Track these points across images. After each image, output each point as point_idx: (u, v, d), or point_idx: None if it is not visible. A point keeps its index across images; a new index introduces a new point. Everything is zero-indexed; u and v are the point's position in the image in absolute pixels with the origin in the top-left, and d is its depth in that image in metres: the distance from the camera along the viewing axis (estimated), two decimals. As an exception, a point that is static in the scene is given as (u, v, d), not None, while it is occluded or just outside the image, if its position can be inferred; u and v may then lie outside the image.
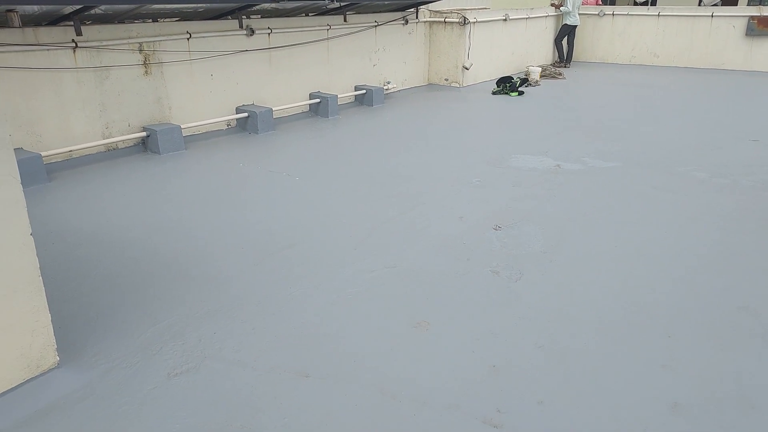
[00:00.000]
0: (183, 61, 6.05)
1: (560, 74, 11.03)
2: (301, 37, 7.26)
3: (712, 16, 11.25)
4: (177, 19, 6.52)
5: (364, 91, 8.21)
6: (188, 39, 6.04)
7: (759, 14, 10.79)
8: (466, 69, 9.62)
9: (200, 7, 6.27)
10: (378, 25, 8.45)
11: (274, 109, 6.78)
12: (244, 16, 6.60)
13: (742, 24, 11.00)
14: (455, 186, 4.92)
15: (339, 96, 7.76)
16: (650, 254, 3.62)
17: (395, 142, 6.40)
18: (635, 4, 14.20)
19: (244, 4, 6.20)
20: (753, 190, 4.74)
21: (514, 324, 2.85)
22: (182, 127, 5.88)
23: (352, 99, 8.32)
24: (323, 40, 7.60)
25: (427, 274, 3.35)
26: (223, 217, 4.17)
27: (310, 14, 7.72)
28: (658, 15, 11.80)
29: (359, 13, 8.32)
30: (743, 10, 11.12)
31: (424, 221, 4.14)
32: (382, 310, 2.98)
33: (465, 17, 9.23)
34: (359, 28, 8.12)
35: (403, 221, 4.13)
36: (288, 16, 7.31)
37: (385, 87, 8.70)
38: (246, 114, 6.55)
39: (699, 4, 14.61)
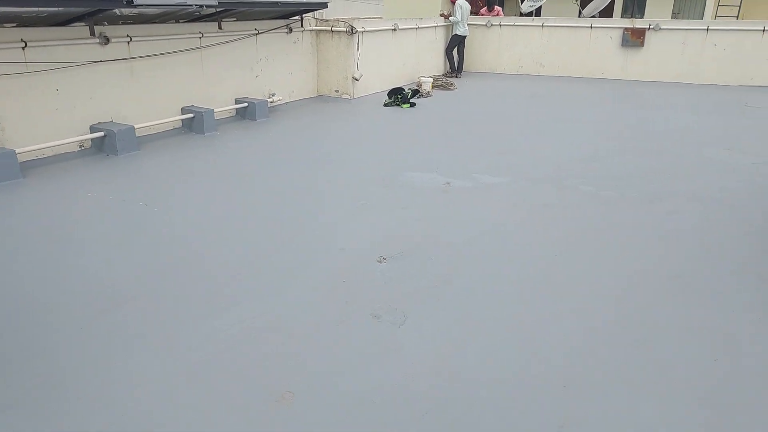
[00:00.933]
0: (18, 74, 5.15)
1: (452, 85, 10.98)
2: (168, 45, 6.53)
3: (591, 27, 11.70)
4: (14, 25, 5.59)
5: (246, 105, 7.58)
6: (23, 48, 5.15)
7: (632, 26, 11.34)
8: (357, 80, 9.25)
9: (43, 12, 5.39)
10: (259, 33, 7.86)
11: (137, 126, 6.00)
12: (98, 23, 5.79)
13: (618, 35, 11.52)
14: (340, 210, 4.47)
15: (217, 110, 7.09)
16: (544, 283, 3.35)
17: (277, 160, 5.86)
18: (520, 14, 14.55)
19: (93, 9, 5.41)
20: (639, 203, 4.68)
21: (394, 387, 2.42)
22: (18, 151, 4.98)
23: (233, 113, 7.66)
24: (195, 49, 6.90)
25: (298, 328, 2.85)
26: (53, 263, 3.43)
27: (181, 21, 6.99)
28: (543, 26, 12.11)
29: (238, 20, 7.69)
30: (618, 22, 11.67)
31: (302, 257, 3.64)
32: (236, 382, 2.44)
33: (352, 26, 8.86)
34: (237, 37, 7.49)
35: (278, 259, 3.61)
36: (153, 23, 6.55)
37: (270, 99, 8.12)
38: (102, 133, 5.73)
39: (579, 16, 15.29)
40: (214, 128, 6.86)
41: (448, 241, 3.92)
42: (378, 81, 9.99)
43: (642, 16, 16.49)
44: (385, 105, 8.94)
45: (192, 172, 5.41)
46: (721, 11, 16.85)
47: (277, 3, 7.39)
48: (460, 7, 11.61)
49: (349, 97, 9.32)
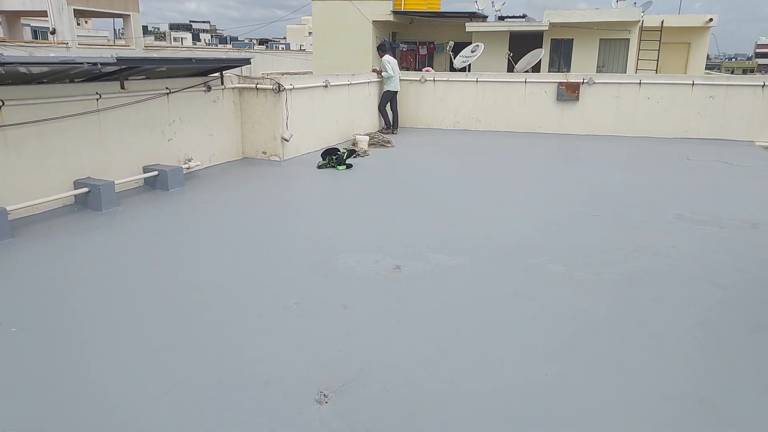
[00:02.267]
0: None
1: (389, 142, 10.36)
2: (56, 109, 5.48)
3: (525, 82, 11.53)
4: None
5: (156, 173, 6.56)
6: None
7: (566, 80, 11.25)
8: (286, 140, 8.43)
9: None
10: (171, 92, 6.93)
11: (11, 208, 4.87)
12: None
13: (553, 90, 11.38)
14: (265, 317, 3.52)
15: (119, 181, 6.04)
16: (531, 413, 2.53)
17: (187, 243, 4.86)
18: (452, 69, 14.34)
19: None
20: (620, 287, 4.02)
21: None
22: None
23: (141, 183, 6.61)
24: (92, 112, 5.88)
25: None
26: None
27: (77, 80, 5.97)
28: (477, 81, 11.85)
29: (148, 78, 6.75)
30: (553, 77, 11.57)
31: (208, 401, 2.65)
32: None
33: (279, 83, 8.10)
34: (143, 97, 6.53)
35: (168, 410, 2.60)
36: (40, 83, 5.51)
37: (186, 165, 7.14)
38: (-40, 220, 4.56)
39: (508, 70, 15.30)
40: (116, 203, 5.79)
41: (406, 360, 3.05)
42: (310, 140, 9.22)
43: (569, 70, 16.79)
44: (319, 167, 8.14)
45: (75, 265, 4.32)
46: (641, 65, 17.47)
47: (190, 60, 6.54)
48: (389, 62, 11.17)
49: (278, 159, 8.46)
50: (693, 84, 10.59)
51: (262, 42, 65.64)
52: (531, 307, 3.70)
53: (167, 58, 6.46)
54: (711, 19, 18.00)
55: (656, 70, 17.13)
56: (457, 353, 3.13)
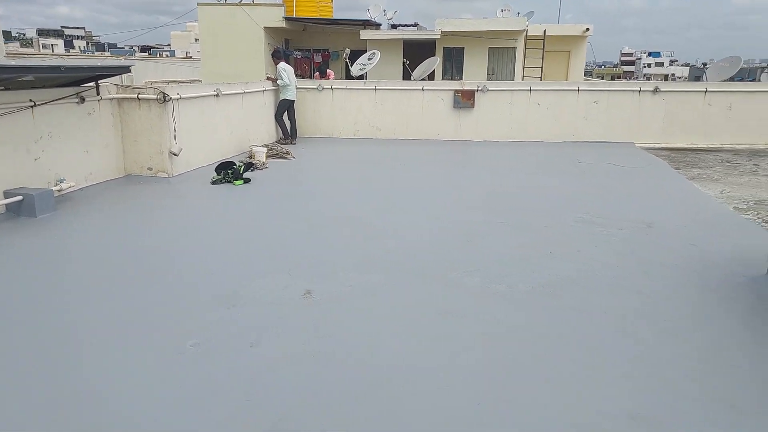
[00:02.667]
0: None
1: (288, 153, 9.93)
2: None
3: (422, 90, 11.57)
4: None
5: (21, 198, 5.70)
6: None
7: (462, 88, 11.42)
8: (175, 155, 7.76)
9: None
10: (36, 105, 6.09)
11: None
12: None
13: (449, 97, 11.51)
14: (154, 364, 3.03)
15: (-27, 210, 5.17)
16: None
17: (62, 278, 4.19)
18: (348, 77, 14.15)
19: None
20: (539, 298, 3.94)
21: None
22: None
23: (3, 210, 5.73)
24: (-66, 129, 4.98)
25: None
26: None
27: None
28: (375, 89, 11.73)
29: (8, 89, 5.87)
30: (448, 84, 11.72)
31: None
32: None
33: (164, 93, 7.43)
34: (2, 111, 5.66)
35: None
36: None
37: (57, 187, 6.31)
38: None
39: (404, 78, 15.39)
40: (-31, 236, 4.93)
41: (329, 409, 2.72)
42: (203, 154, 8.59)
43: (461, 78, 17.23)
44: (214, 183, 7.56)
45: None
46: (528, 72, 18.34)
47: (59, 68, 5.77)
48: (284, 70, 10.76)
49: (166, 176, 7.76)
50: (578, 90, 11.15)
51: (145, 49, 61.96)
52: (456, 329, 3.50)
53: (31, 66, 5.65)
54: (588, 29, 19.28)
55: (541, 77, 18.03)
56: (384, 392, 2.84)
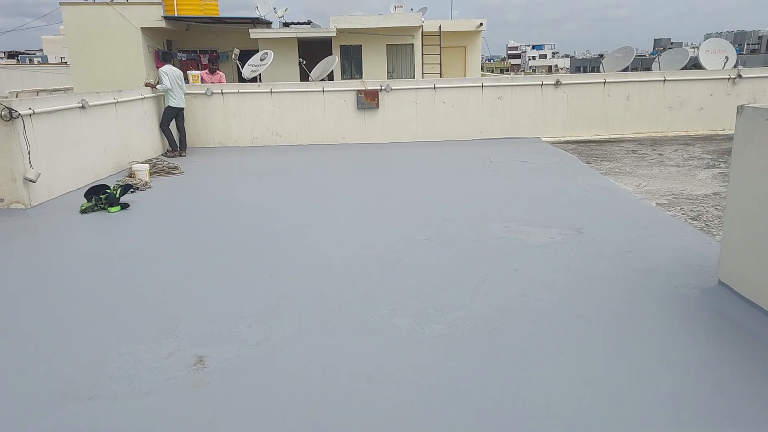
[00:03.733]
0: None
1: (176, 168, 8.79)
2: None
3: (323, 91, 10.78)
4: None
5: None
6: None
7: (365, 88, 10.76)
8: (32, 181, 6.46)
9: None
10: None
11: None
12: None
13: (352, 98, 10.82)
14: None
15: None
16: None
17: None
18: (241, 80, 13.05)
19: None
20: (481, 338, 3.32)
21: None
22: None
23: None
24: None
25: None
26: None
27: None
28: (271, 92, 10.78)
29: None
30: (350, 84, 11.00)
31: None
32: None
33: (10, 108, 6.11)
34: None
35: None
36: None
37: None
38: None
39: (302, 79, 14.50)
40: None
41: None
42: (70, 177, 7.29)
43: (361, 77, 16.61)
44: (83, 212, 6.36)
45: None
46: (427, 69, 18.07)
47: None
48: (166, 74, 9.59)
49: (22, 207, 6.45)
50: (482, 86, 10.85)
51: (12, 55, 55.91)
52: (390, 396, 2.79)
53: None
54: (481, 24, 19.35)
55: (440, 74, 17.82)
56: None
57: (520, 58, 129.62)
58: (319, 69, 11.59)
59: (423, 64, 18.00)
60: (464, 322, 3.52)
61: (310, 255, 4.87)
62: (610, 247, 4.80)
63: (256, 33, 15.71)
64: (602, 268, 4.34)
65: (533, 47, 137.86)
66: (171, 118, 10.16)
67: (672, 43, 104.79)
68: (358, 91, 10.75)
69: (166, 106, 10.03)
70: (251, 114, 10.88)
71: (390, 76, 17.15)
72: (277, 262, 4.69)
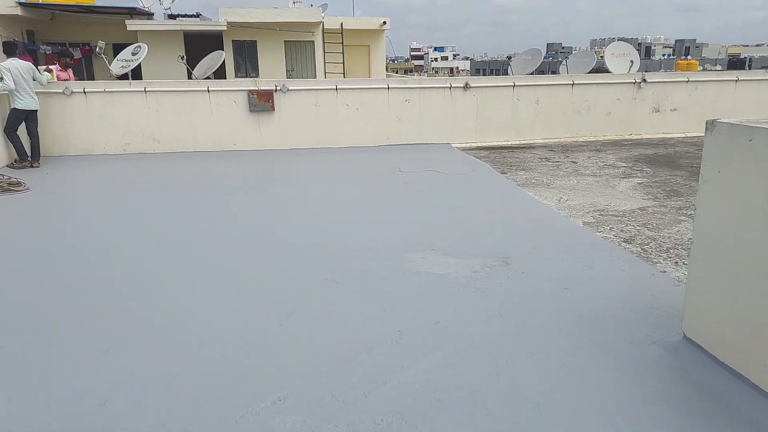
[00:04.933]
0: None
1: (20, 184, 7.16)
2: None
3: (208, 91, 9.43)
4: None
5: None
6: None
7: (257, 88, 9.54)
8: None
9: None
10: None
11: None
12: None
13: (243, 99, 9.56)
14: None
15: None
16: None
17: None
18: (123, 77, 11.32)
19: None
20: (400, 448, 2.36)
21: None
22: None
23: None
24: None
25: None
26: None
27: None
28: (145, 91, 9.27)
29: None
30: (240, 84, 9.71)
31: None
32: None
33: None
34: None
35: None
36: None
37: None
38: None
39: (189, 77, 12.97)
40: None
41: None
42: None
43: (257, 75, 15.27)
44: None
45: None
46: (329, 68, 17.04)
47: None
48: (9, 70, 7.88)
49: None
50: (388, 88, 9.98)
51: None
52: None
53: None
54: (384, 22, 18.59)
55: (344, 74, 16.86)
56: None
57: (423, 59, 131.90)
58: (204, 66, 10.22)
59: (325, 62, 16.96)
60: (374, 420, 2.54)
61: (180, 319, 3.69)
62: (545, 283, 4.03)
63: (133, 25, 13.92)
64: (540, 316, 3.53)
65: (435, 49, 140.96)
66: (19, 121, 8.41)
67: (563, 47, 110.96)
68: (250, 91, 9.50)
69: (11, 107, 8.28)
70: (122, 116, 9.30)
71: (289, 75, 15.94)
72: (113, 337, 3.47)
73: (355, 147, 9.93)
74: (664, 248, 4.71)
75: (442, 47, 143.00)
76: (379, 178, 7.71)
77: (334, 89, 9.81)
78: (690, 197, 6.37)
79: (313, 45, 15.66)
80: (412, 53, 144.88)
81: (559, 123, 10.60)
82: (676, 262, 4.37)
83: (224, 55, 10.58)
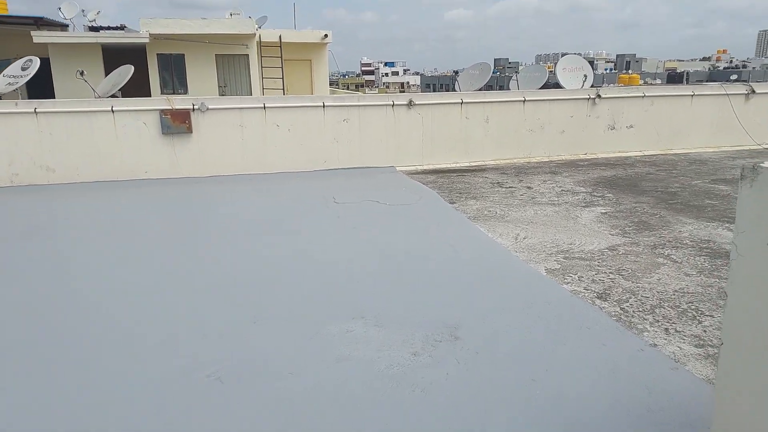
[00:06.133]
0: None
1: None
2: None
3: (113, 111, 8.14)
4: None
5: None
6: None
7: (171, 107, 8.31)
8: None
9: None
10: None
11: None
12: None
13: (154, 120, 8.30)
14: None
15: None
16: None
17: None
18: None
19: None
20: None
21: None
22: None
23: None
24: None
25: None
26: None
27: None
28: (36, 113, 7.91)
29: None
30: (151, 103, 8.46)
31: None
32: None
33: None
34: None
35: None
36: None
37: None
38: None
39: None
40: None
41: None
42: None
43: (186, 92, 13.99)
44: None
45: None
46: (267, 84, 15.88)
47: None
48: None
49: None
50: (324, 106, 8.93)
51: None
52: None
53: None
54: (326, 35, 17.59)
55: (284, 90, 15.74)
56: None
57: (374, 74, 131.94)
58: (109, 82, 8.92)
59: (262, 78, 15.80)
60: None
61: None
62: (505, 371, 3.02)
63: (41, 36, 12.41)
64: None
65: (386, 64, 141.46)
66: None
67: (510, 63, 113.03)
68: (163, 111, 8.26)
69: None
70: (7, 142, 7.90)
71: (222, 92, 14.70)
72: None
73: (286, 173, 8.81)
74: (648, 306, 3.80)
75: (393, 62, 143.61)
76: (309, 212, 6.62)
77: (261, 108, 8.68)
78: (662, 230, 5.55)
79: (248, 59, 14.49)
80: (363, 68, 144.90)
81: (511, 142, 9.78)
82: (666, 329, 3.45)
83: (132, 69, 9.27)
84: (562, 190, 7.46)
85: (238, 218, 6.41)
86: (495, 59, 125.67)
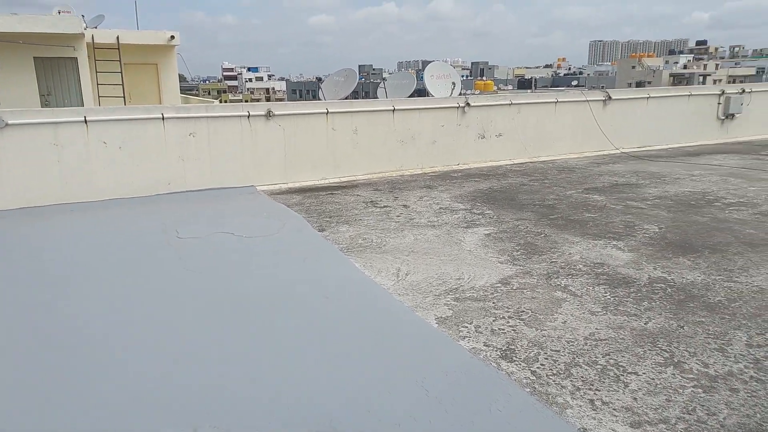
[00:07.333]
0: None
1: None
2: None
3: None
4: None
5: None
6: None
7: None
8: None
9: None
10: None
11: None
12: None
13: None
14: None
15: None
16: None
17: None
18: None
19: None
20: None
21: None
22: None
23: None
24: None
25: None
26: None
27: None
28: None
29: None
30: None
31: None
32: None
33: None
34: None
35: None
36: None
37: None
38: None
39: None
40: None
41: None
42: None
43: (-3, 101, 11.61)
44: None
45: None
46: (104, 91, 13.79)
47: None
48: None
49: None
50: (163, 118, 7.54)
51: None
52: None
53: None
54: (173, 37, 15.80)
55: (124, 98, 13.79)
56: None
57: (237, 79, 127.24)
58: None
59: (97, 84, 13.72)
60: None
61: None
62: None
63: None
64: None
65: (249, 69, 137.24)
66: None
67: (374, 70, 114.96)
68: None
69: None
70: None
71: (45, 101, 12.46)
72: None
73: (120, 199, 7.30)
74: (562, 366, 3.12)
75: (257, 67, 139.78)
76: (142, 253, 5.30)
77: (82, 121, 7.09)
78: (551, 252, 5.06)
79: (77, 62, 12.41)
80: (225, 73, 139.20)
81: (382, 155, 9.07)
82: (592, 401, 2.78)
83: None
84: (441, 208, 6.84)
85: (40, 269, 4.93)
86: (359, 65, 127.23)
